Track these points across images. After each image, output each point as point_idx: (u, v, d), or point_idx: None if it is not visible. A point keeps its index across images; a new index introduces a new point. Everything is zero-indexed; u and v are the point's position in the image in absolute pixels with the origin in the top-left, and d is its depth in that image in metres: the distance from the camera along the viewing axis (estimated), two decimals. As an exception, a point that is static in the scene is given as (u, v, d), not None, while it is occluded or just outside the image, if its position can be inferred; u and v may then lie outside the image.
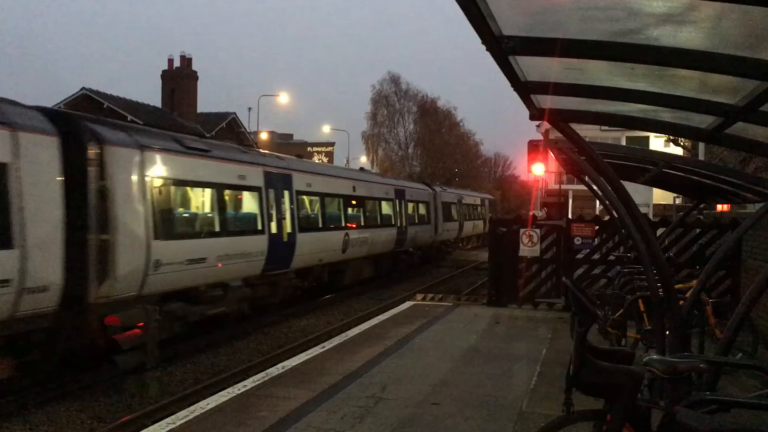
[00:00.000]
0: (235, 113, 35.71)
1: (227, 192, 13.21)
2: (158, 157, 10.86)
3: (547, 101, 4.94)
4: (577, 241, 12.97)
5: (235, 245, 13.00)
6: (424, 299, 15.00)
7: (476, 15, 3.07)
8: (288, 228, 15.30)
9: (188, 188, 12.26)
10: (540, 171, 18.87)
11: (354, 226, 19.90)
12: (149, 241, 10.28)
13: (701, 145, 17.61)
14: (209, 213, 12.76)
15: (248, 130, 38.40)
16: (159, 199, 10.79)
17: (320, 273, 17.71)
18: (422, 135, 64.90)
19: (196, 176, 12.20)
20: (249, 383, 7.57)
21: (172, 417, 6.42)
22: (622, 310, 8.51)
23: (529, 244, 12.93)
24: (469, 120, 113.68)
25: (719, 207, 14.22)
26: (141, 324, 10.07)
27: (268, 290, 14.81)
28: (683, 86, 4.28)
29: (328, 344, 9.82)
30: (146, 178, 10.44)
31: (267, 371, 8.22)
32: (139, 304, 10.10)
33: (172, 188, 11.36)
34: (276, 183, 15.00)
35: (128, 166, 10.10)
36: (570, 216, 19.88)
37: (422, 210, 27.75)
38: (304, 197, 16.88)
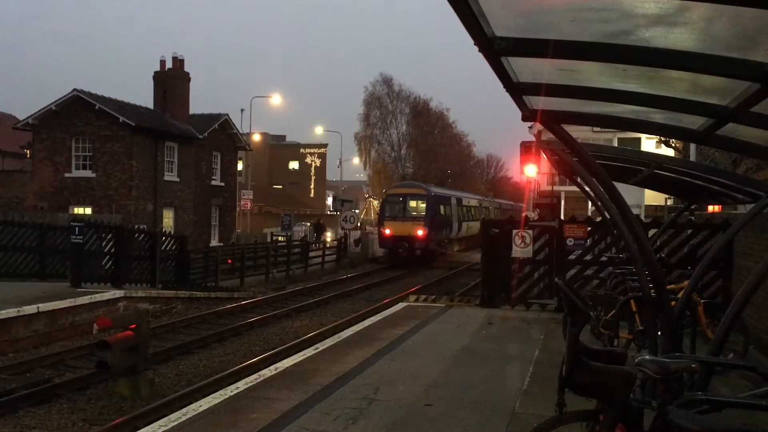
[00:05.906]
0: (227, 114, 35.54)
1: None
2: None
3: (540, 102, 4.95)
4: (570, 242, 12.99)
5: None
6: (417, 300, 14.99)
7: (468, 16, 3.07)
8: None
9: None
10: (532, 172, 18.87)
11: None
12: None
13: (692, 147, 17.67)
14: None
15: (240, 132, 38.30)
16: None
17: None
18: (415, 136, 64.91)
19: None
20: (242, 385, 7.54)
21: (164, 419, 6.39)
22: (614, 311, 8.52)
23: (521, 245, 12.94)
24: (461, 121, 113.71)
25: (710, 208, 14.28)
26: (133, 326, 10.02)
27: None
28: (675, 87, 4.29)
29: (321, 345, 9.80)
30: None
31: (260, 372, 8.19)
32: None
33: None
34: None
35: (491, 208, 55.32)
36: (562, 217, 19.93)
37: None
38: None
